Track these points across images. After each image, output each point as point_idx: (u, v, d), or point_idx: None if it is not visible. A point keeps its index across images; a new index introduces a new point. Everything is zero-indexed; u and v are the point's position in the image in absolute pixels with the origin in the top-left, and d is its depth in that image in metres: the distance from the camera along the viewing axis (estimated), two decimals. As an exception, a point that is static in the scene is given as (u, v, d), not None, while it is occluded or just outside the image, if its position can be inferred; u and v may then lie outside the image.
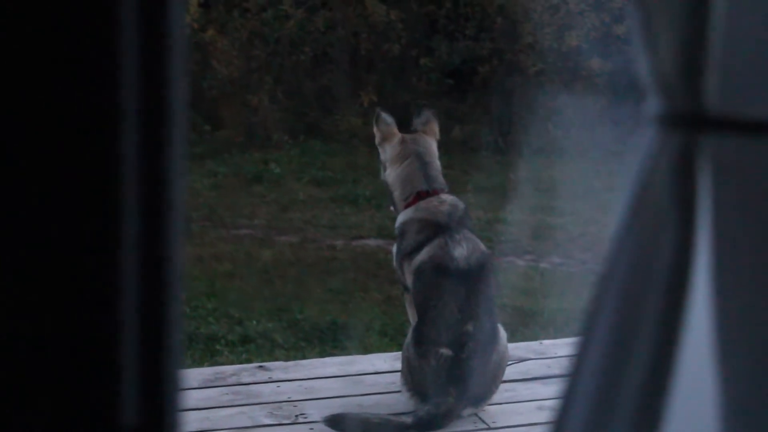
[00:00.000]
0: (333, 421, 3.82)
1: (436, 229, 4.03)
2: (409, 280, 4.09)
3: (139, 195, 0.69)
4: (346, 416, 3.85)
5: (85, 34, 0.67)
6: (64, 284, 0.68)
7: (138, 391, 0.71)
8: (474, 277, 3.96)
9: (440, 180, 4.17)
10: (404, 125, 4.35)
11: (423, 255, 4.02)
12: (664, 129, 0.77)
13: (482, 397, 3.97)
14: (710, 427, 0.78)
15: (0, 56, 0.66)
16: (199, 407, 3.92)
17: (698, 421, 0.79)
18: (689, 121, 0.76)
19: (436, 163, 4.22)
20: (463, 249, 3.98)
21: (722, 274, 0.77)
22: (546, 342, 4.76)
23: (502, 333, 4.03)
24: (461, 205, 4.12)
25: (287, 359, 5.03)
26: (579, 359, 0.80)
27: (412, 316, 4.11)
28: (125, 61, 0.67)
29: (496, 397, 4.06)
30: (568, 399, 0.81)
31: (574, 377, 0.81)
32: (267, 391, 4.18)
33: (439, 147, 4.33)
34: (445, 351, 3.90)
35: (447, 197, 4.12)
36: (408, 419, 3.85)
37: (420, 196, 4.13)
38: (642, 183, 0.76)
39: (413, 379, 3.96)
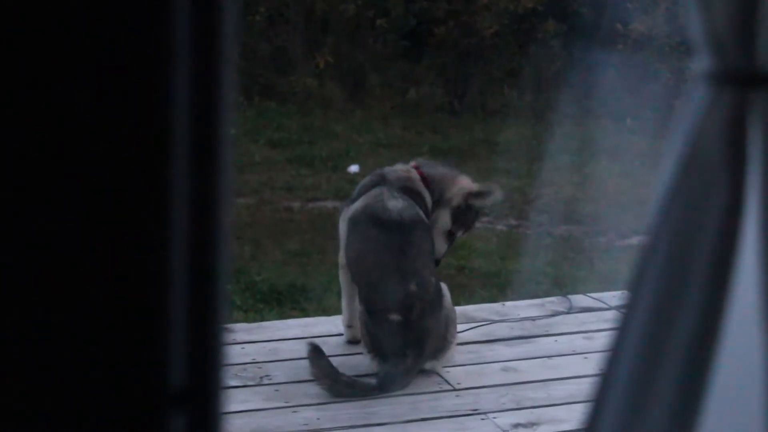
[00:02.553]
0: (314, 352, 3.81)
1: (378, 180, 4.05)
2: (342, 231, 4.07)
3: (190, 163, 0.68)
4: (324, 356, 3.84)
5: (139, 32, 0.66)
6: (114, 253, 0.67)
7: (186, 353, 0.70)
8: (407, 230, 3.94)
9: (428, 166, 4.20)
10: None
11: (358, 204, 4.01)
12: (715, 86, 0.76)
13: (441, 349, 3.99)
14: (755, 398, 0.78)
15: (54, 53, 0.65)
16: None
17: (743, 390, 0.79)
18: (741, 78, 0.75)
19: (441, 170, 4.22)
20: (397, 202, 3.97)
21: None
22: (508, 303, 4.77)
23: (444, 288, 4.04)
24: (418, 187, 4.08)
25: (246, 321, 5.01)
26: (624, 322, 0.80)
27: (345, 290, 4.11)
28: (178, 46, 0.66)
29: (461, 358, 4.07)
30: (613, 361, 0.81)
31: (618, 341, 0.81)
32: (231, 353, 4.16)
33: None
34: (395, 317, 3.91)
35: (413, 172, 4.12)
36: (373, 381, 3.87)
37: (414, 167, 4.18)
38: (692, 140, 0.75)
39: (372, 341, 3.98)
